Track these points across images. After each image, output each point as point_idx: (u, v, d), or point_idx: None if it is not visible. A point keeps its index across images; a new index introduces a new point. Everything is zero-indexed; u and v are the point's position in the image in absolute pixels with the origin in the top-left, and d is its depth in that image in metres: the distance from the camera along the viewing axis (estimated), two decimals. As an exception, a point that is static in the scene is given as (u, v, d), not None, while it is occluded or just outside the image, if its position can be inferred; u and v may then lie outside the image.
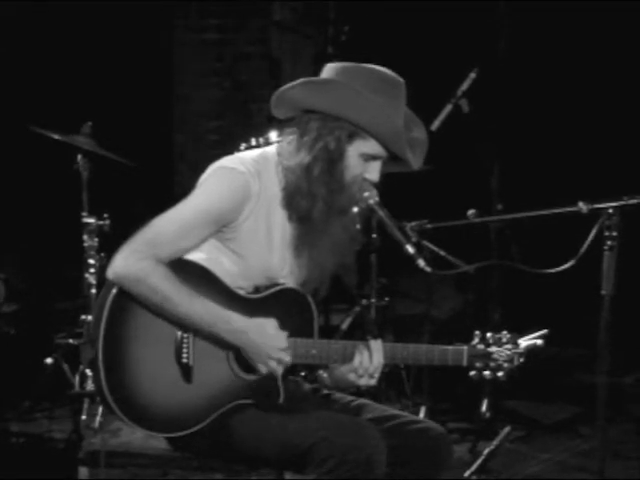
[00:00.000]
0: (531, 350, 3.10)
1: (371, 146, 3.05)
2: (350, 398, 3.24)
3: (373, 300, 5.36)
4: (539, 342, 3.09)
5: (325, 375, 3.19)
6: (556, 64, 6.47)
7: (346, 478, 2.90)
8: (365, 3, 6.66)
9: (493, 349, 3.10)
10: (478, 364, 3.09)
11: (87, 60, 6.64)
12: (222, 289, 3.03)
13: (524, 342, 3.11)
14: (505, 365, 3.09)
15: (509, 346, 3.10)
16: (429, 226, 4.34)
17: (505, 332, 3.13)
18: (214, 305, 2.97)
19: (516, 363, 3.10)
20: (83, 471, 4.52)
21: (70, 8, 6.53)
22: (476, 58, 5.34)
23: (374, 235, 5.24)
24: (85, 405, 4.88)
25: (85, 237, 4.90)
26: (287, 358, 3.02)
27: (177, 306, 2.93)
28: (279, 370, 3.04)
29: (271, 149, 3.15)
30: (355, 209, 3.12)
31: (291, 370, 3.12)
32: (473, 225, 4.17)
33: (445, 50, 6.32)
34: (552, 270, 3.53)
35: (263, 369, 3.03)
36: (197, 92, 7.38)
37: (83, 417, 4.84)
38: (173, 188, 7.18)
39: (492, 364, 3.09)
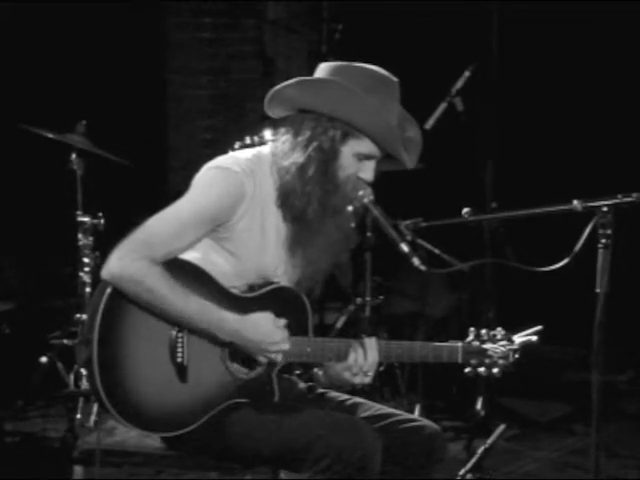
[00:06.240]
0: (526, 346, 3.11)
1: (365, 145, 3.05)
2: (345, 397, 3.24)
3: (367, 298, 5.35)
4: (534, 338, 3.10)
5: (320, 373, 3.19)
6: (550, 62, 6.47)
7: (341, 477, 2.91)
8: (359, 2, 6.65)
9: (488, 346, 3.11)
10: (473, 361, 3.10)
11: (81, 59, 6.62)
12: (216, 288, 3.03)
13: (519, 338, 3.12)
14: (500, 362, 3.10)
15: (504, 342, 3.11)
16: (423, 224, 4.32)
17: (500, 329, 3.14)
18: (209, 304, 2.96)
19: (511, 359, 3.11)
20: (78, 470, 4.52)
21: (64, 7, 6.52)
22: (470, 56, 5.34)
23: (368, 234, 5.23)
24: (80, 404, 4.87)
25: (79, 235, 4.89)
26: (285, 346, 3.03)
27: (172, 305, 2.93)
28: (279, 357, 3.03)
29: (265, 149, 3.15)
30: (350, 208, 3.12)
31: (286, 369, 3.12)
32: (467, 223, 4.16)
33: (439, 49, 6.32)
34: (546, 268, 3.52)
35: (263, 359, 3.04)
36: (191, 91, 7.36)
37: (78, 416, 4.83)
38: (167, 186, 7.17)
39: (487, 361, 3.10)
